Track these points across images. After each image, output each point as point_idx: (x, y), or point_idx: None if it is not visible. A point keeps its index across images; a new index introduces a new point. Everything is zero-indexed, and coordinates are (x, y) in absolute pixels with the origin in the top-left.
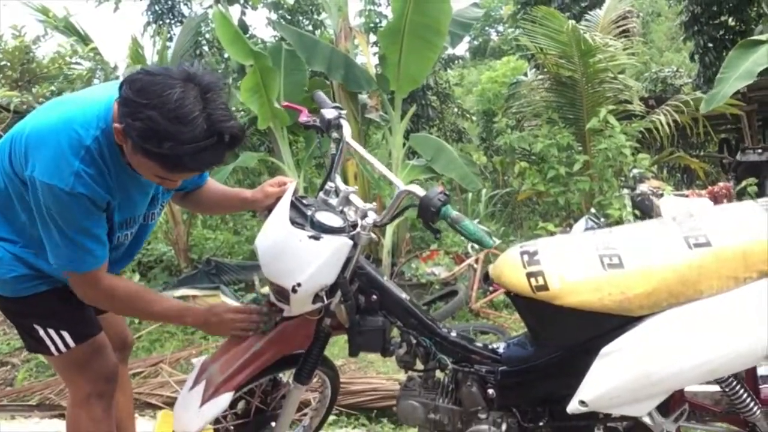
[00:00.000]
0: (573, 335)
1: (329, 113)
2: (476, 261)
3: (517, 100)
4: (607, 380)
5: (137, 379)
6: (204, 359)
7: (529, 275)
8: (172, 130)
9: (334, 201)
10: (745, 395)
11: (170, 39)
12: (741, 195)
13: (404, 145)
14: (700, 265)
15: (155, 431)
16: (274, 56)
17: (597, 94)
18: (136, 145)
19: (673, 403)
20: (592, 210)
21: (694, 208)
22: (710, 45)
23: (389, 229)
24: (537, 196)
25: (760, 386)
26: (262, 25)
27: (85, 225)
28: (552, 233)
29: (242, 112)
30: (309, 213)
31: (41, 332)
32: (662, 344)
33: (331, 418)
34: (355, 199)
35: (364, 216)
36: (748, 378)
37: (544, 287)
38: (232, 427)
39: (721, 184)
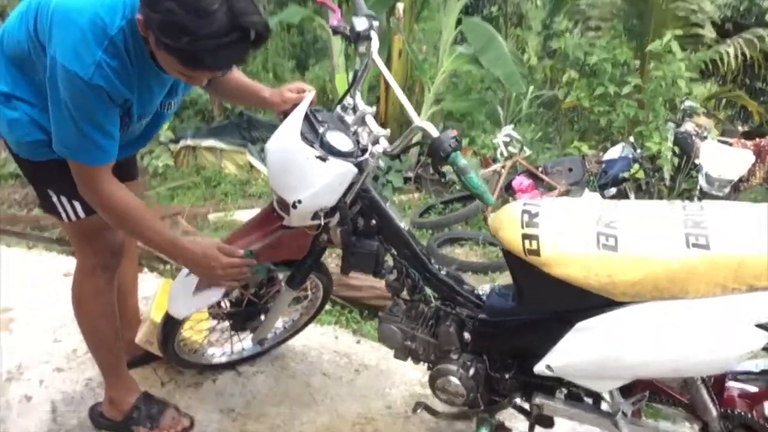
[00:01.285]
0: (554, 303)
1: (360, 24)
2: (503, 167)
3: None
4: (577, 353)
5: None
6: None
7: (525, 236)
8: (190, 23)
9: (350, 118)
10: (705, 396)
11: None
12: None
13: (456, 27)
14: (692, 266)
15: (155, 299)
16: None
17: (668, 12)
18: (157, 39)
19: (635, 387)
20: (631, 138)
21: (733, 161)
22: None
23: (424, 114)
24: (581, 108)
25: (727, 384)
26: None
27: (98, 118)
28: (584, 155)
29: None
30: (321, 130)
31: (54, 198)
32: (637, 334)
33: (326, 307)
34: (371, 121)
35: (375, 142)
36: (716, 379)
37: (536, 252)
38: (223, 314)
39: None
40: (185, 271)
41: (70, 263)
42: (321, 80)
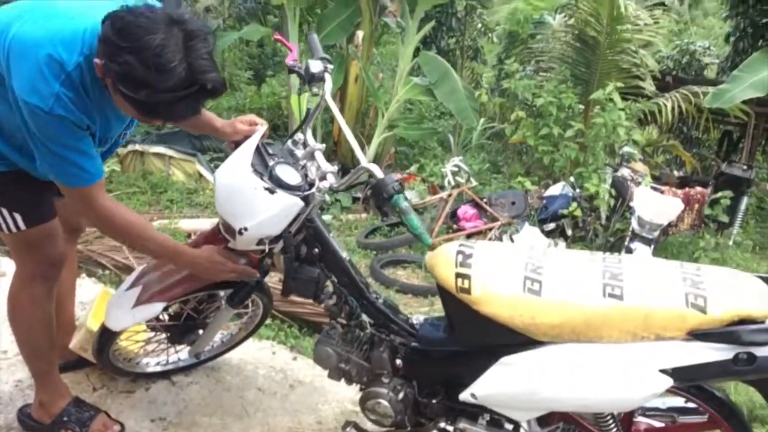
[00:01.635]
0: (482, 338)
1: (315, 66)
2: (449, 196)
3: (536, 43)
4: (499, 385)
5: (92, 236)
6: (145, 266)
7: (458, 275)
8: (149, 77)
9: (299, 152)
10: (614, 430)
11: None
12: (714, 203)
13: (414, 57)
14: (606, 314)
15: (93, 307)
16: None
17: (613, 63)
18: (114, 87)
19: (552, 417)
20: (572, 178)
21: (663, 207)
22: (749, 30)
23: (376, 139)
24: (527, 145)
25: (636, 419)
26: None
27: (70, 142)
28: (527, 191)
29: None
30: (271, 163)
31: None
32: (554, 371)
33: (266, 322)
34: (320, 157)
35: (323, 177)
36: (625, 414)
37: (467, 291)
38: (161, 327)
39: (698, 188)
40: (126, 284)
41: (6, 264)
42: (277, 96)
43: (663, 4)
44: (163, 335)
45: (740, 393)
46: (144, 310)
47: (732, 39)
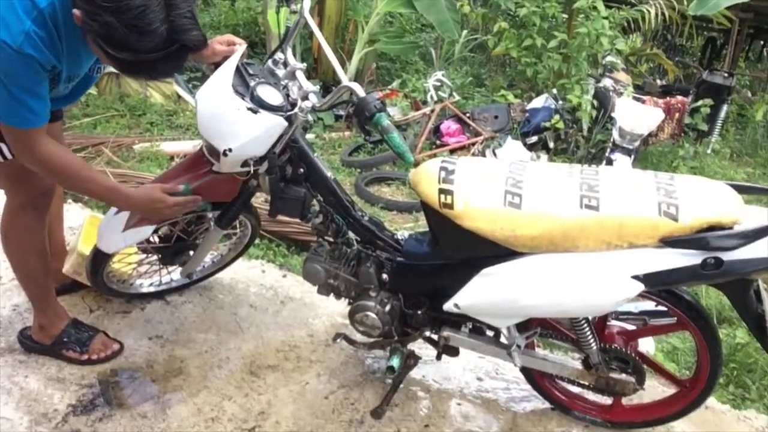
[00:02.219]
0: (464, 251)
1: None
2: (432, 111)
3: None
4: (481, 295)
5: None
6: None
7: (441, 191)
8: (130, 39)
9: (280, 72)
10: (588, 333)
11: None
12: (694, 112)
13: None
14: (583, 224)
15: (82, 231)
16: None
17: None
18: (94, 42)
19: (530, 323)
20: (554, 90)
21: (644, 117)
22: None
23: (357, 55)
24: (510, 57)
25: (609, 322)
26: None
27: (28, 84)
28: (510, 104)
29: None
30: (252, 84)
31: None
32: (531, 280)
33: (254, 242)
34: (301, 77)
35: (305, 97)
36: (599, 318)
37: (450, 206)
38: (152, 249)
39: (679, 97)
40: (113, 210)
41: None
42: (253, 12)
43: None
44: (155, 257)
45: (711, 297)
46: (135, 233)
47: None
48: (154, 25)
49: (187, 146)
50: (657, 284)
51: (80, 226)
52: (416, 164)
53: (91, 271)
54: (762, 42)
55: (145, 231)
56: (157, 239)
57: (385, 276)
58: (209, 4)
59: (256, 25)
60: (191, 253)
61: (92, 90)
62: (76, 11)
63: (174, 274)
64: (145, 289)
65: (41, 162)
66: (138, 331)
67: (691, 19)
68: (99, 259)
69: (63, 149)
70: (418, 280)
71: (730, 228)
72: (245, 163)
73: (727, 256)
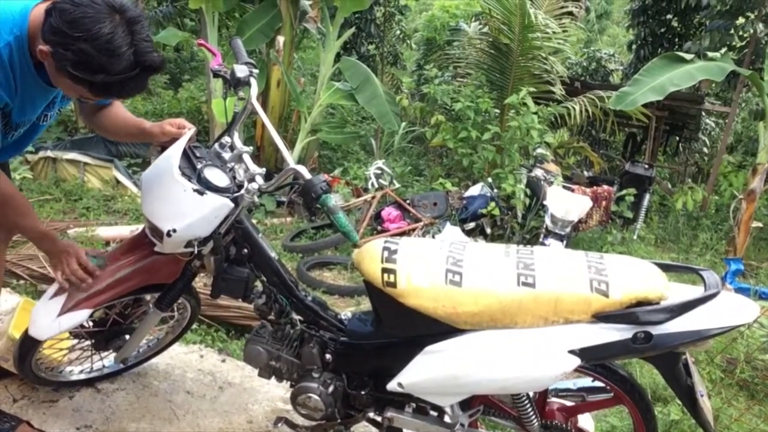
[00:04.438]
0: (407, 329)
1: (241, 71)
2: (372, 198)
3: (453, 50)
4: (424, 372)
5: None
6: None
7: (384, 270)
8: (104, 62)
9: (227, 155)
10: (530, 410)
11: None
12: (620, 200)
13: (335, 63)
14: (520, 301)
15: (14, 316)
16: None
17: (526, 69)
18: (62, 69)
19: (473, 401)
20: (489, 179)
21: (574, 205)
22: (650, 39)
23: (299, 143)
24: (446, 149)
25: (549, 399)
26: None
27: None
28: (448, 192)
29: None
30: (199, 166)
31: None
32: (473, 357)
33: (193, 327)
34: (248, 159)
35: (251, 180)
36: (540, 395)
37: (393, 284)
38: (86, 334)
39: (605, 186)
40: (50, 292)
41: None
42: (196, 100)
43: (571, 13)
44: (88, 342)
45: (644, 376)
46: (70, 318)
47: (634, 47)
48: (122, 48)
49: (125, 231)
50: (592, 358)
51: (12, 310)
52: (359, 246)
53: (18, 357)
54: (677, 137)
55: (82, 315)
56: (91, 323)
57: (328, 356)
58: (152, 93)
59: (199, 114)
60: (127, 337)
61: (28, 173)
62: (42, 47)
63: (107, 359)
64: (75, 377)
65: None
66: (65, 421)
67: (613, 115)
68: (28, 345)
69: (9, 184)
70: (362, 359)
71: (657, 303)
72: (189, 244)
73: (656, 330)
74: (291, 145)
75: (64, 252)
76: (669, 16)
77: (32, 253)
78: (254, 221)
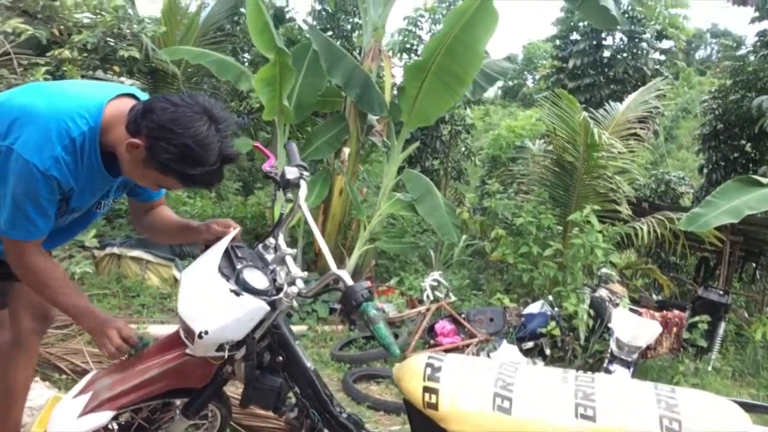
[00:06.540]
0: None
1: (291, 173)
2: (427, 310)
3: (517, 166)
4: None
5: (54, 338)
6: (97, 371)
7: (425, 389)
8: (202, 156)
9: (269, 257)
10: None
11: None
12: (692, 327)
13: (398, 175)
14: None
15: (42, 413)
16: (298, 54)
17: (590, 187)
18: (155, 161)
19: None
20: (550, 297)
21: (642, 330)
22: (722, 163)
23: (357, 251)
24: (506, 264)
25: None
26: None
27: (42, 202)
28: (506, 307)
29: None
30: (239, 266)
31: None
32: None
33: None
34: (290, 262)
35: (291, 283)
36: None
37: (434, 406)
38: None
39: (676, 312)
40: (74, 390)
41: None
42: (261, 206)
43: (636, 135)
44: None
45: None
46: (91, 420)
47: (705, 170)
48: (214, 144)
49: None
50: None
51: (41, 407)
52: (403, 359)
53: None
54: (754, 264)
55: (104, 417)
56: (116, 426)
57: None
58: (222, 198)
59: (263, 218)
60: None
61: (89, 268)
62: (133, 140)
63: None
64: None
65: (29, 271)
66: None
67: (683, 238)
68: None
69: (53, 263)
70: None
71: None
72: (221, 347)
73: None
74: (348, 252)
75: (105, 326)
76: (742, 142)
77: (78, 347)
78: (305, 327)
